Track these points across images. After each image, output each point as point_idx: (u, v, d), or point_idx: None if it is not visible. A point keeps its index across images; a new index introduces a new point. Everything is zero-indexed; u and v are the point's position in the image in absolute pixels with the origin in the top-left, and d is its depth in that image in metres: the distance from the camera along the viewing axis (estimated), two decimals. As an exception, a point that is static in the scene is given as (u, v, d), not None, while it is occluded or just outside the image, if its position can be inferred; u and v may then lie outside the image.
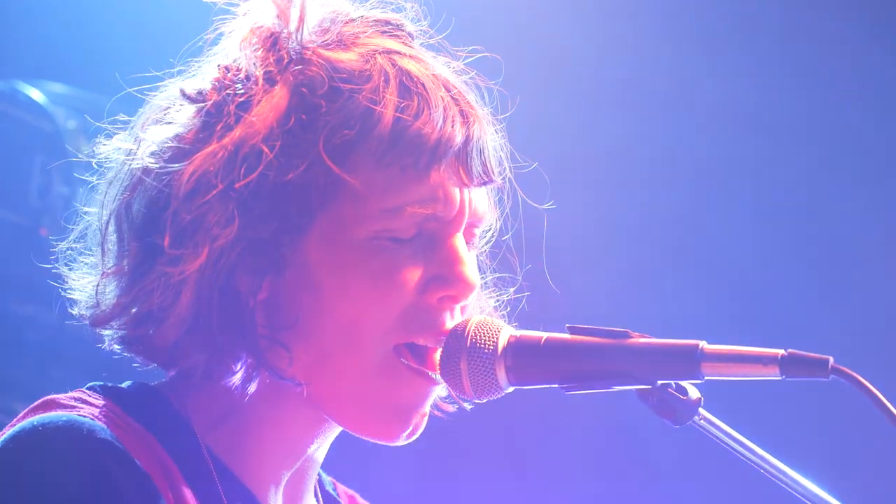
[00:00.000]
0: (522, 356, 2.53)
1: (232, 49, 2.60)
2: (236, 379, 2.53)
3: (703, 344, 2.42)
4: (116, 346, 2.61)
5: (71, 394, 2.52)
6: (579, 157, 5.85)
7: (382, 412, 2.57)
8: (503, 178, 2.68)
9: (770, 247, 5.87)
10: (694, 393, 2.46)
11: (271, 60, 2.56)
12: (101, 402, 2.50)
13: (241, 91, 2.54)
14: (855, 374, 2.30)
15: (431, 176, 2.54)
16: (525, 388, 2.55)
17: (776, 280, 5.85)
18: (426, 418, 2.62)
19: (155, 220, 2.52)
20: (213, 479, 2.53)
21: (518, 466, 6.05)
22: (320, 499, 2.80)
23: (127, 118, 2.66)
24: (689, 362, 2.41)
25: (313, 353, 2.53)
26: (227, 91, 2.54)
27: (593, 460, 5.99)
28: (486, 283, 2.78)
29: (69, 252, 2.66)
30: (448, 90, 2.59)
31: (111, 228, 2.59)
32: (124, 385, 2.60)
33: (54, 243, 2.67)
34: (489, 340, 2.54)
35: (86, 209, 2.66)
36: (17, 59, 6.42)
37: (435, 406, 2.67)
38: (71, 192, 6.11)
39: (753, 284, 5.86)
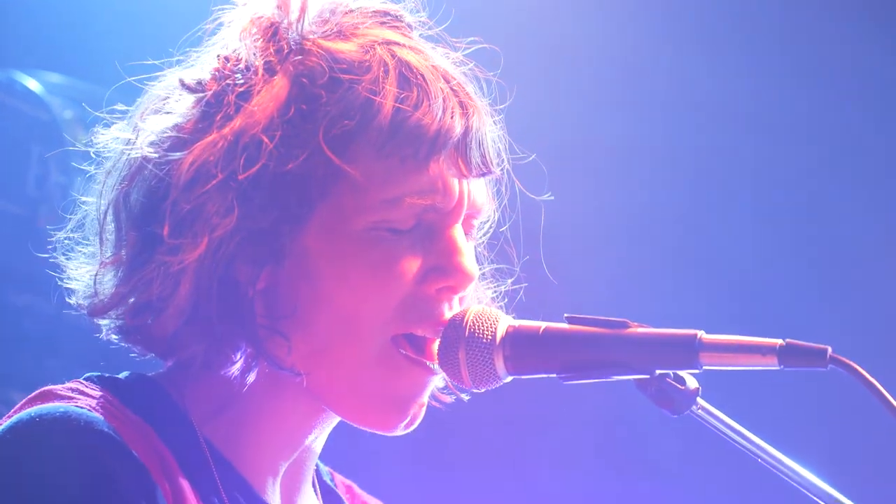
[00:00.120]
0: (521, 346, 2.53)
1: (231, 39, 2.60)
2: (235, 369, 2.53)
3: (701, 334, 2.42)
4: (114, 336, 2.60)
5: (68, 384, 2.52)
6: (577, 149, 5.85)
7: (380, 402, 2.57)
8: (501, 170, 2.68)
9: (768, 241, 5.88)
10: (692, 383, 2.46)
11: (271, 50, 2.56)
12: (98, 393, 2.49)
13: (241, 81, 2.53)
14: (853, 364, 2.30)
15: (431, 167, 2.54)
16: (523, 377, 2.55)
17: (774, 274, 5.85)
18: (424, 409, 2.62)
19: (154, 210, 2.52)
20: (211, 470, 2.53)
21: (516, 456, 6.05)
22: (318, 489, 2.80)
23: (125, 108, 2.65)
24: (688, 352, 2.41)
25: (312, 343, 2.53)
26: (227, 81, 2.54)
27: (591, 450, 5.99)
28: (483, 274, 2.78)
29: (66, 242, 2.65)
30: (447, 81, 2.59)
31: (109, 218, 2.59)
32: (121, 376, 2.60)
33: (52, 233, 2.67)
34: (487, 330, 2.54)
35: (83, 199, 2.65)
36: (13, 48, 6.40)
37: (433, 397, 2.67)
38: (68, 182, 6.10)
39: (751, 278, 5.86)
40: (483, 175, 2.62)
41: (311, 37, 2.57)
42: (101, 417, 2.41)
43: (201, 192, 2.47)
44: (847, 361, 2.31)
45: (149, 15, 6.08)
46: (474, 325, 2.54)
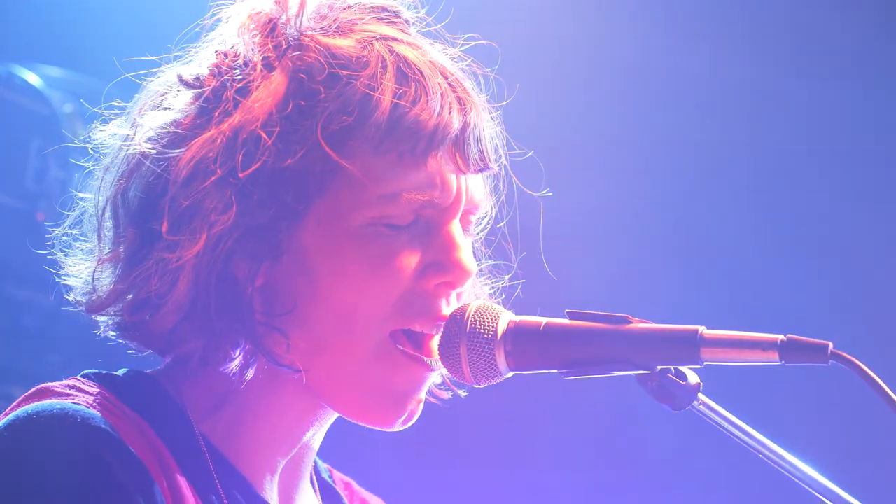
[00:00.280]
0: (522, 341, 2.52)
1: (230, 35, 2.59)
2: (233, 366, 2.53)
3: (702, 329, 2.42)
4: (112, 333, 2.60)
5: (65, 381, 2.52)
6: (575, 145, 5.84)
7: (378, 398, 2.57)
8: (499, 166, 2.67)
9: (768, 236, 5.87)
10: (693, 378, 2.45)
11: (269, 46, 2.55)
12: (95, 390, 2.49)
13: (240, 77, 2.53)
14: (854, 360, 2.30)
15: (429, 162, 2.54)
16: (524, 373, 2.55)
17: (774, 269, 5.85)
18: (422, 404, 2.62)
19: (152, 206, 2.51)
20: (209, 467, 2.53)
21: (514, 453, 6.05)
22: (316, 486, 2.79)
23: (123, 104, 2.65)
24: (689, 347, 2.41)
25: (310, 339, 2.53)
26: (226, 77, 2.54)
27: (590, 445, 5.99)
28: (481, 270, 2.78)
29: (65, 238, 2.65)
30: (445, 77, 2.59)
31: (107, 214, 2.59)
32: (119, 372, 2.59)
33: (50, 229, 2.66)
34: (489, 325, 2.54)
35: (82, 195, 2.65)
36: (12, 42, 6.40)
37: (430, 393, 2.67)
38: (67, 177, 6.10)
39: (750, 272, 5.86)
40: (481, 171, 2.61)
41: (309, 33, 2.57)
42: (99, 414, 2.41)
43: (199, 189, 2.47)
44: (848, 357, 2.30)
45: (147, 10, 6.07)
46: (476, 321, 2.54)
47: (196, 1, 2.72)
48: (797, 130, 5.85)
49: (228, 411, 2.57)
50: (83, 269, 2.61)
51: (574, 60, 5.92)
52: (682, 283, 5.85)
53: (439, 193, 2.55)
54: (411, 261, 2.54)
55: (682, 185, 5.91)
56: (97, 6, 6.39)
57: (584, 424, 5.96)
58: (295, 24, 2.57)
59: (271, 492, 2.61)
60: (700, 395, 2.46)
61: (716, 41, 5.86)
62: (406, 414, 2.59)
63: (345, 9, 2.62)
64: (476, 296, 2.71)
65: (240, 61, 2.55)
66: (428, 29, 2.69)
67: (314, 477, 2.79)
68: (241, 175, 2.46)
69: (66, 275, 2.63)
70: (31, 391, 2.48)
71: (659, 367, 2.45)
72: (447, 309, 2.57)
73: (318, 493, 2.78)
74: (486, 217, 2.74)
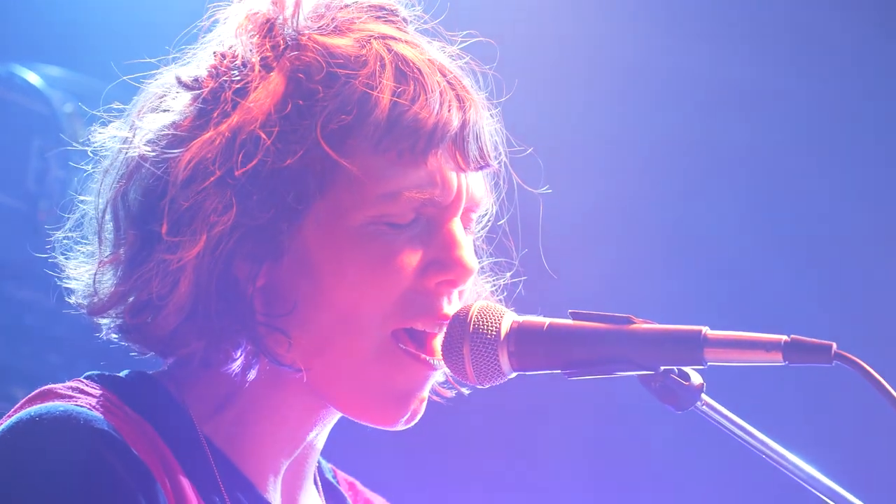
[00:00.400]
0: (525, 342, 2.52)
1: (227, 36, 2.59)
2: (235, 366, 2.53)
3: (706, 329, 2.41)
4: (114, 336, 2.60)
5: (68, 383, 2.52)
6: (574, 142, 5.84)
7: (381, 397, 2.57)
8: (499, 163, 2.67)
9: (770, 236, 5.87)
10: (696, 379, 2.45)
11: (267, 46, 2.55)
12: (98, 392, 2.49)
13: (238, 77, 2.53)
14: (858, 360, 2.30)
15: (428, 161, 2.53)
16: (528, 373, 2.54)
17: (776, 269, 5.84)
18: (424, 403, 2.62)
19: (152, 208, 2.51)
20: (212, 469, 2.53)
21: (515, 453, 6.05)
22: (320, 486, 2.79)
23: (122, 106, 2.64)
24: (693, 348, 2.41)
25: (312, 339, 2.53)
26: (224, 78, 2.54)
27: (591, 443, 5.99)
28: (482, 268, 2.78)
29: (65, 241, 2.65)
30: (444, 75, 2.58)
31: (107, 217, 2.59)
32: (122, 374, 2.60)
33: (51, 230, 2.66)
34: (492, 326, 2.54)
35: (82, 198, 2.65)
36: (13, 42, 6.40)
37: (433, 391, 2.67)
38: (67, 177, 6.10)
39: (751, 271, 5.85)
40: (481, 168, 2.61)
41: (306, 32, 2.57)
42: (102, 416, 2.41)
43: (199, 190, 2.47)
44: (852, 357, 2.30)
45: (146, 9, 6.07)
46: (479, 321, 2.54)
47: (191, 2, 2.71)
48: (798, 130, 5.85)
49: (231, 412, 2.57)
50: (84, 271, 2.61)
51: (573, 57, 5.92)
52: (683, 281, 5.84)
53: (439, 191, 2.55)
54: (412, 259, 2.54)
55: (682, 183, 5.91)
56: (97, 6, 6.38)
57: (585, 424, 5.96)
58: (292, 23, 2.57)
59: (275, 492, 2.61)
60: (703, 396, 2.45)
61: (716, 40, 5.85)
62: (409, 413, 2.59)
63: (342, 8, 2.62)
64: (477, 294, 2.71)
65: (238, 62, 2.55)
66: (426, 27, 2.69)
67: (318, 477, 2.79)
68: (240, 175, 2.46)
69: (68, 278, 2.63)
70: (34, 393, 2.49)
71: (662, 368, 2.45)
72: (449, 307, 2.57)
73: (321, 493, 2.78)
74: (486, 215, 2.74)
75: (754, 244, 5.85)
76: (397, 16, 2.65)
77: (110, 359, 2.73)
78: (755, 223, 5.88)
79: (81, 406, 2.42)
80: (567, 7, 5.93)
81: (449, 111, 2.54)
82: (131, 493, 2.35)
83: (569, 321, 2.52)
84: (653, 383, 2.46)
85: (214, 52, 2.58)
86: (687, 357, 2.42)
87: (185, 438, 2.52)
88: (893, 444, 5.40)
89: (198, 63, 2.60)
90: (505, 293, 2.79)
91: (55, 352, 6.13)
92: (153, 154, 2.52)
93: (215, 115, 2.51)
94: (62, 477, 2.33)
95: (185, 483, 2.46)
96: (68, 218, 2.66)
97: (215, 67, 2.56)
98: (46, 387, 2.50)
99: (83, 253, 2.63)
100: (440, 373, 2.61)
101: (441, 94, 2.54)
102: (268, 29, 2.57)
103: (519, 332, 2.53)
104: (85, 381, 2.53)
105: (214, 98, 2.53)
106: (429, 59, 2.58)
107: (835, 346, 2.32)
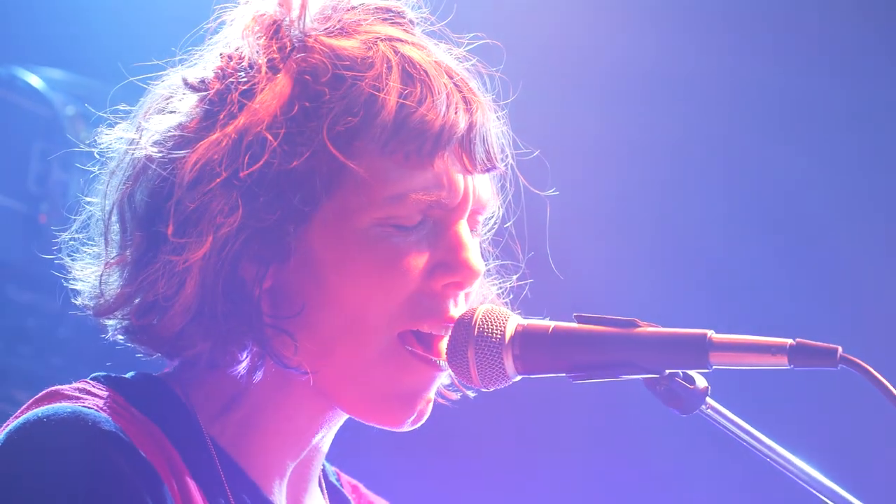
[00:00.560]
0: (530, 345, 2.52)
1: (234, 37, 2.59)
2: (241, 368, 2.52)
3: (711, 333, 2.41)
4: (120, 337, 2.60)
5: (75, 384, 2.52)
6: (581, 145, 5.84)
7: (387, 398, 2.57)
8: (506, 166, 2.67)
9: (776, 239, 5.86)
10: (701, 382, 2.45)
11: (274, 48, 2.55)
12: (105, 393, 2.49)
13: (244, 79, 2.53)
14: (863, 364, 2.30)
15: (435, 163, 2.53)
16: (532, 377, 2.54)
17: (781, 272, 5.84)
18: (431, 405, 2.62)
19: (158, 210, 2.51)
20: (217, 471, 2.53)
21: (514, 453, 6.04)
22: (324, 489, 2.79)
23: (128, 107, 2.65)
24: (698, 351, 2.40)
25: (318, 341, 2.53)
26: (230, 79, 2.54)
27: (595, 444, 5.99)
28: (488, 270, 2.77)
29: (71, 243, 2.65)
30: (450, 77, 2.58)
31: (114, 218, 2.59)
32: (128, 375, 2.60)
33: (54, 232, 2.66)
34: (497, 329, 2.54)
35: (88, 199, 2.65)
36: (15, 44, 6.40)
37: (438, 393, 2.67)
38: (69, 179, 6.10)
39: (758, 273, 5.85)
40: (488, 170, 2.61)
41: (313, 34, 2.57)
42: (109, 417, 2.41)
43: (206, 191, 2.47)
44: (857, 361, 2.30)
45: (149, 12, 6.07)
46: (483, 324, 2.54)
47: (197, 3, 2.71)
48: (800, 130, 5.84)
49: (237, 414, 2.57)
50: (90, 273, 2.61)
51: (580, 59, 5.92)
52: (690, 284, 5.84)
53: (446, 194, 2.55)
54: (419, 261, 2.54)
55: (691, 186, 5.90)
56: (99, 8, 6.38)
57: (586, 423, 5.96)
58: (299, 25, 2.57)
59: (280, 494, 2.61)
60: (708, 399, 2.45)
61: (723, 41, 5.85)
62: (415, 414, 2.59)
63: (348, 10, 2.62)
64: (483, 296, 2.71)
65: (244, 64, 2.54)
66: (432, 28, 2.69)
67: (322, 480, 2.78)
68: (246, 177, 2.46)
69: (74, 279, 2.63)
70: (41, 394, 2.49)
71: (667, 371, 2.45)
72: (455, 310, 2.57)
73: (325, 495, 2.78)
74: (492, 217, 2.74)
75: (764, 249, 5.85)
76: (404, 17, 2.65)
77: (113, 361, 2.73)
78: (765, 227, 5.87)
79: (88, 407, 2.42)
80: (573, 9, 5.93)
81: (456, 113, 2.54)
82: (138, 495, 2.35)
83: (574, 324, 2.51)
84: (658, 387, 2.46)
85: (221, 54, 2.58)
86: (692, 360, 2.42)
87: (192, 440, 2.52)
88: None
89: (204, 65, 2.60)
90: (510, 296, 2.79)
91: (57, 354, 6.13)
92: (160, 155, 2.52)
93: (222, 116, 2.51)
94: (69, 478, 2.33)
95: (192, 484, 2.46)
96: (73, 219, 2.66)
97: (222, 69, 2.55)
98: (53, 388, 2.50)
99: (89, 254, 2.63)
100: (446, 374, 2.61)
101: (448, 96, 2.54)
102: (274, 30, 2.57)
103: (524, 335, 2.53)
104: (91, 382, 2.53)
105: (221, 99, 2.53)
106: (435, 61, 2.58)
107: (840, 349, 2.32)
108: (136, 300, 2.53)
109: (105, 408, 2.44)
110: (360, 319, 2.52)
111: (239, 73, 2.54)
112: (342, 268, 2.52)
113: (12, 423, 2.41)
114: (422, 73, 2.55)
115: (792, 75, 5.81)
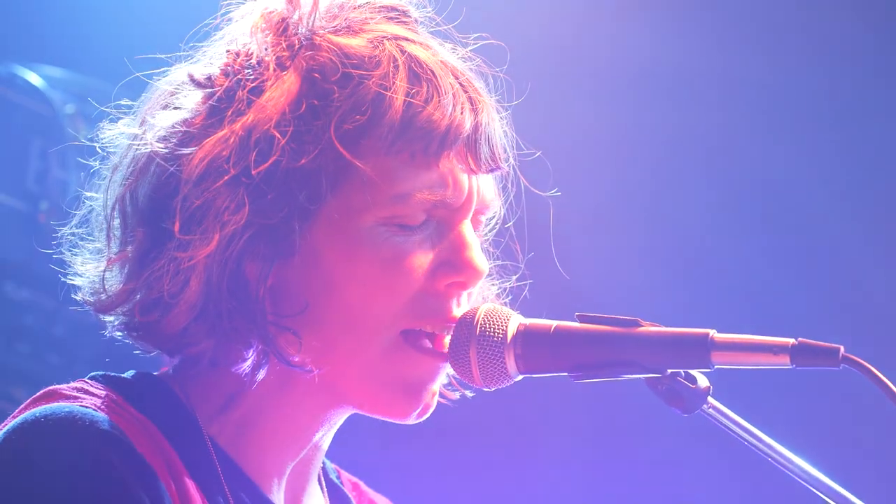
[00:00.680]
0: (532, 344, 2.52)
1: (241, 34, 2.59)
2: (245, 366, 2.52)
3: (713, 332, 2.41)
4: (119, 333, 2.59)
5: (73, 384, 2.51)
6: (583, 146, 5.84)
7: (393, 390, 2.57)
8: (509, 166, 2.67)
9: (777, 237, 5.87)
10: (703, 382, 2.45)
11: (282, 46, 2.55)
12: (103, 393, 2.49)
13: (252, 76, 2.53)
14: (866, 364, 2.30)
15: (441, 162, 2.53)
16: (534, 376, 2.55)
17: (782, 272, 5.84)
18: (436, 397, 2.61)
19: (163, 206, 2.51)
20: (216, 471, 2.52)
21: (515, 452, 6.04)
22: (324, 487, 2.79)
23: (130, 102, 2.64)
24: (700, 351, 2.41)
25: (322, 339, 2.52)
26: (238, 76, 2.53)
27: (595, 447, 5.99)
28: (489, 270, 2.77)
29: (71, 238, 2.64)
30: (456, 77, 2.58)
31: (115, 214, 2.58)
32: (126, 375, 2.59)
33: (54, 228, 2.66)
34: (499, 329, 2.54)
35: (88, 194, 2.64)
36: (14, 42, 6.40)
37: (440, 393, 2.66)
38: (68, 177, 6.09)
39: (759, 273, 5.85)
40: (492, 171, 2.61)
41: (321, 32, 2.57)
42: (107, 417, 2.40)
43: (212, 188, 2.46)
44: (859, 361, 2.30)
45: (149, 10, 6.07)
46: (485, 324, 2.54)
47: (197, 3, 2.71)
48: (800, 130, 5.84)
49: (236, 413, 2.57)
50: (91, 268, 2.60)
51: (583, 60, 5.92)
52: (692, 284, 5.84)
53: (451, 193, 2.55)
54: (423, 261, 2.54)
55: (693, 187, 5.90)
56: (99, 7, 6.38)
57: (586, 420, 5.96)
58: (307, 23, 2.57)
59: (279, 493, 2.61)
60: (710, 399, 2.45)
61: (728, 40, 5.84)
62: (421, 406, 2.59)
63: (355, 8, 2.62)
64: (484, 297, 2.71)
65: (252, 61, 2.54)
66: (437, 28, 2.69)
67: (322, 478, 2.78)
68: (254, 174, 2.46)
69: (73, 274, 2.62)
70: (39, 393, 2.48)
71: (669, 371, 2.45)
72: (457, 310, 2.58)
73: (325, 494, 2.78)
74: (494, 217, 2.74)
75: (766, 247, 5.85)
76: (409, 17, 2.65)
77: (111, 358, 2.73)
78: (767, 227, 5.87)
79: (86, 407, 2.41)
80: (576, 10, 5.93)
81: (462, 113, 2.55)
82: (136, 494, 2.35)
83: (576, 324, 2.52)
84: (659, 386, 2.46)
85: (228, 51, 2.58)
86: (694, 360, 2.42)
87: (190, 439, 2.52)
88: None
89: (210, 61, 2.59)
90: (510, 296, 2.79)
91: (54, 352, 6.12)
92: (165, 151, 2.52)
93: (229, 113, 2.51)
94: (67, 477, 2.33)
95: (190, 484, 2.46)
96: (73, 214, 2.66)
97: (229, 66, 2.55)
98: (51, 387, 2.50)
99: (89, 250, 2.62)
100: (450, 366, 2.61)
101: (454, 96, 2.55)
102: (283, 28, 2.57)
103: (525, 334, 2.54)
104: (89, 381, 2.53)
105: (228, 96, 2.52)
106: (441, 61, 2.58)
107: (842, 349, 2.32)
108: (139, 296, 2.53)
109: (103, 407, 2.43)
110: (364, 318, 2.52)
111: (247, 70, 2.54)
112: (346, 266, 2.52)
113: (10, 423, 2.40)
114: (428, 72, 2.55)
115: (792, 75, 5.81)
